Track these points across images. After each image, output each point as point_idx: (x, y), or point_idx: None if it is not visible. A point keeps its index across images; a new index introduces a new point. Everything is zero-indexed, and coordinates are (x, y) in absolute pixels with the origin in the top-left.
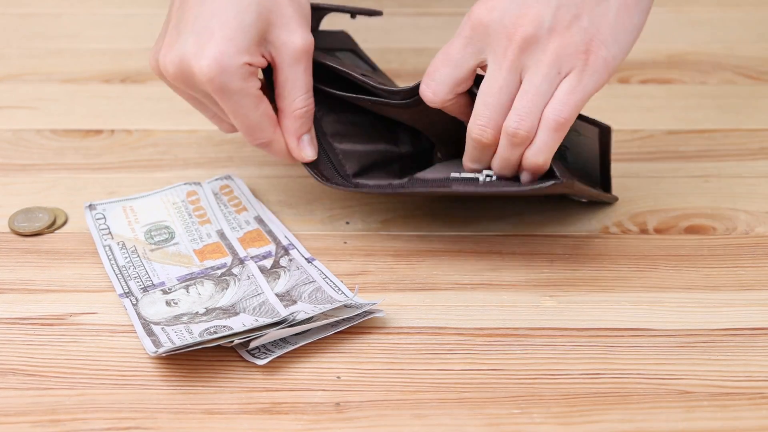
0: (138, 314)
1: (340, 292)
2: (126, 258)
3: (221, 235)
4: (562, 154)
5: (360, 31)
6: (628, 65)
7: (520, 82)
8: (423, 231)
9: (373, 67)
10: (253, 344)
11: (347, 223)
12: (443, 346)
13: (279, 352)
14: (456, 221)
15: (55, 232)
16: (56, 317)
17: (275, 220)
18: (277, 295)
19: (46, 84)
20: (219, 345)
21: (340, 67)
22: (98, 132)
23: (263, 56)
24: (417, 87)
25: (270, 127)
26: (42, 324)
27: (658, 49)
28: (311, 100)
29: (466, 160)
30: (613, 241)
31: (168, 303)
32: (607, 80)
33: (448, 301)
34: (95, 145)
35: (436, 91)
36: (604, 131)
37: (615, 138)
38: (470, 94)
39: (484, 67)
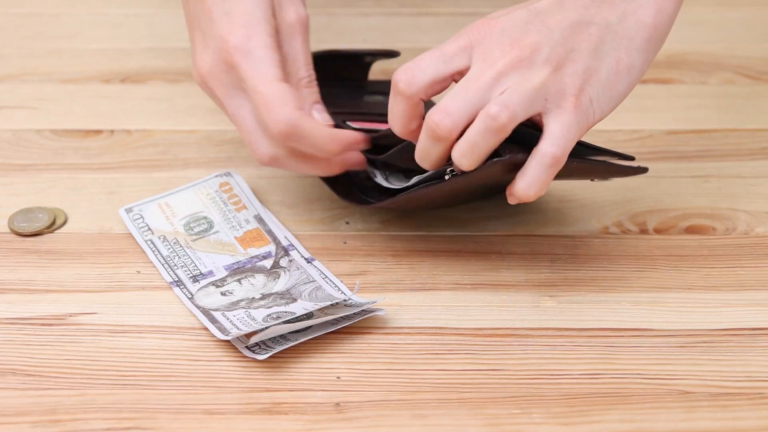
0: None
1: (340, 292)
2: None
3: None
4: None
5: (360, 30)
6: None
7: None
8: (423, 231)
9: None
10: (253, 340)
11: (347, 223)
12: (443, 346)
13: (279, 348)
14: (456, 221)
15: (55, 232)
16: (56, 317)
17: (275, 220)
18: (276, 293)
19: (46, 84)
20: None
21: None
22: (98, 132)
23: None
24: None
25: (292, 100)
26: (42, 324)
27: None
28: (312, 71)
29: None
30: (613, 241)
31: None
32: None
33: (448, 301)
34: (95, 145)
35: (413, 78)
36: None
37: (615, 138)
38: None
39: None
